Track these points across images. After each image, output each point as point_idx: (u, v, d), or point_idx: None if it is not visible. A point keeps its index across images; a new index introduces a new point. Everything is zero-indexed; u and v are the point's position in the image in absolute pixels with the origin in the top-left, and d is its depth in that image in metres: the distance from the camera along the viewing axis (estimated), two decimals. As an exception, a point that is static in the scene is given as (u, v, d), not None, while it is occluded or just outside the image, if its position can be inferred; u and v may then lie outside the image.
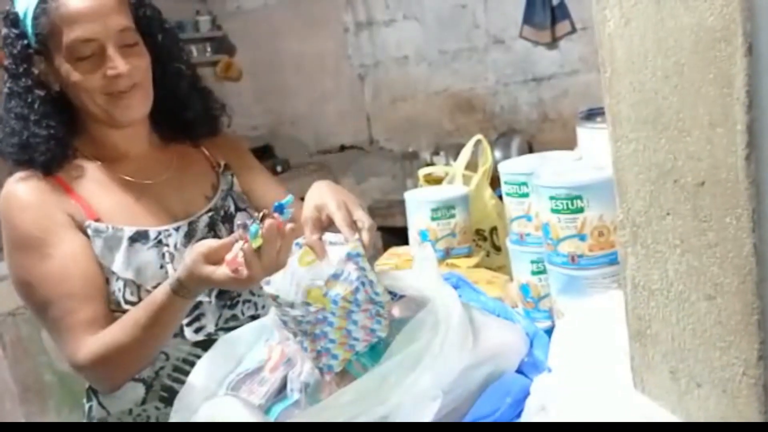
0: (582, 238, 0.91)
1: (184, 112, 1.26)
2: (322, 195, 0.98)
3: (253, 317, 1.12)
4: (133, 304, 1.12)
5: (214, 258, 0.95)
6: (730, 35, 0.57)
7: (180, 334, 1.15)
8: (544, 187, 0.93)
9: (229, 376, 1.01)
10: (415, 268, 1.00)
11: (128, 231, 1.14)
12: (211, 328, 1.18)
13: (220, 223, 1.23)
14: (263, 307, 1.21)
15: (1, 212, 1.14)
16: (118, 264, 1.12)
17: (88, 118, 1.17)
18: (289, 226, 0.92)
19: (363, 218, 0.96)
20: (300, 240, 0.96)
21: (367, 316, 0.91)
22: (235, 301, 1.23)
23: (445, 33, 3.73)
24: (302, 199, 1.05)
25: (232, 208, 1.26)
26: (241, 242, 0.91)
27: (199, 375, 1.01)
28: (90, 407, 1.23)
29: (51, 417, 2.77)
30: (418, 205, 1.35)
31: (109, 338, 1.07)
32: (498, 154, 3.18)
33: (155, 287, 1.11)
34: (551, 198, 0.92)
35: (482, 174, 1.43)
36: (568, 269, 0.94)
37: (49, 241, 1.11)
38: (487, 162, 1.43)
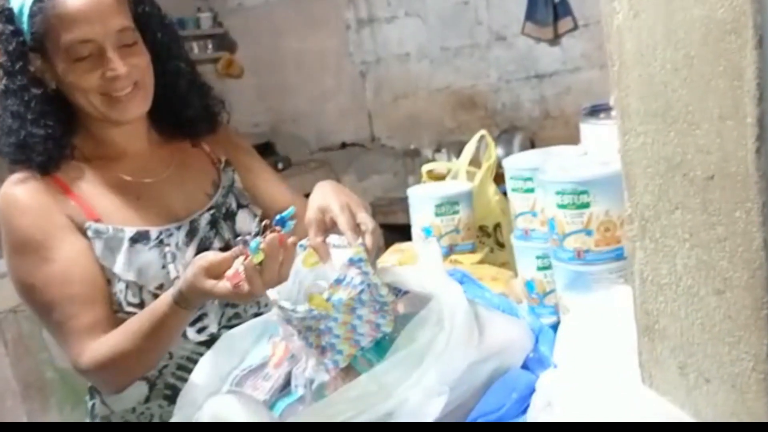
0: (588, 233, 0.91)
1: (184, 110, 1.24)
2: (325, 196, 0.97)
3: (257, 315, 1.11)
4: (135, 305, 1.11)
5: (214, 272, 0.94)
6: (741, 27, 0.56)
7: (183, 334, 1.14)
8: (551, 183, 0.93)
9: (233, 372, 1.01)
10: (420, 263, 1.00)
11: (129, 231, 1.13)
12: (214, 328, 1.17)
13: (222, 220, 1.21)
14: (266, 305, 1.20)
15: (0, 215, 1.12)
16: (119, 265, 1.11)
17: (86, 117, 1.15)
18: (291, 239, 0.92)
19: (366, 221, 0.95)
20: (304, 241, 0.96)
21: (372, 311, 0.91)
22: None
23: (446, 30, 3.72)
24: (306, 195, 1.04)
25: (234, 205, 1.25)
26: (241, 258, 0.90)
27: (203, 372, 1.01)
28: (93, 405, 1.22)
29: (53, 414, 2.77)
30: (422, 202, 1.35)
31: (112, 344, 1.06)
32: (500, 151, 3.17)
33: (158, 288, 1.11)
34: (557, 193, 0.92)
35: (486, 170, 1.43)
36: (574, 265, 0.94)
37: (49, 245, 1.09)
38: (491, 158, 1.43)
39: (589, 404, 0.77)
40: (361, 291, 0.89)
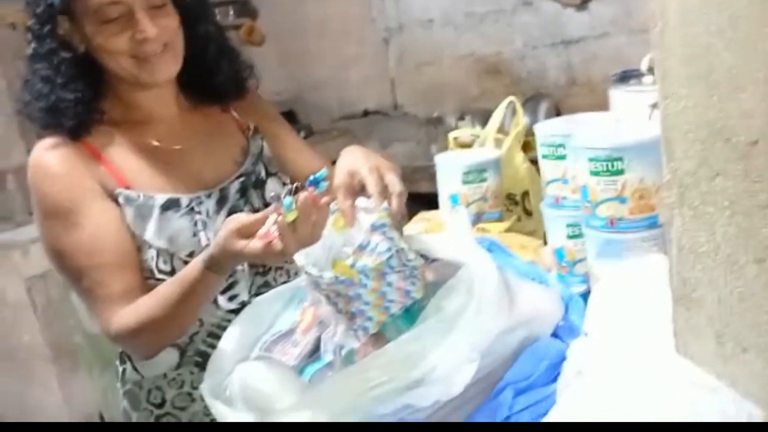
0: (622, 200, 0.90)
1: (213, 74, 1.23)
2: (354, 160, 0.96)
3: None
4: (166, 272, 1.11)
5: (246, 233, 0.93)
6: (790, -14, 0.54)
7: (214, 302, 1.14)
8: (584, 149, 0.91)
9: (262, 338, 1.01)
10: (449, 231, 0.99)
11: (160, 199, 1.13)
12: (245, 296, 1.17)
13: (252, 188, 1.21)
14: (295, 273, 1.20)
15: (30, 181, 1.12)
16: (150, 233, 1.11)
17: (115, 81, 1.14)
18: (324, 199, 0.91)
19: (394, 183, 0.94)
20: (333, 205, 0.95)
21: (402, 277, 0.90)
22: (268, 269, 1.22)
23: (471, -5, 3.65)
24: (333, 162, 1.03)
25: (263, 173, 1.24)
26: (274, 216, 0.89)
27: (232, 338, 1.02)
28: (124, 370, 1.24)
29: (82, 378, 2.83)
30: (449, 169, 1.33)
31: (142, 311, 1.06)
32: (525, 119, 3.13)
33: (189, 255, 1.11)
34: (590, 160, 0.90)
35: (514, 137, 1.41)
36: (607, 233, 0.92)
37: (80, 211, 1.09)
38: (519, 124, 1.41)
39: (621, 372, 0.77)
40: (389, 258, 0.88)
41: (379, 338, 0.90)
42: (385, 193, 0.92)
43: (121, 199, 1.11)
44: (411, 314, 0.90)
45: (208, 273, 1.00)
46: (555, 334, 0.94)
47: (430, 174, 2.11)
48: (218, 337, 1.03)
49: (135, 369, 1.22)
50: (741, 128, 0.60)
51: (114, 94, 1.17)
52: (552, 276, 1.08)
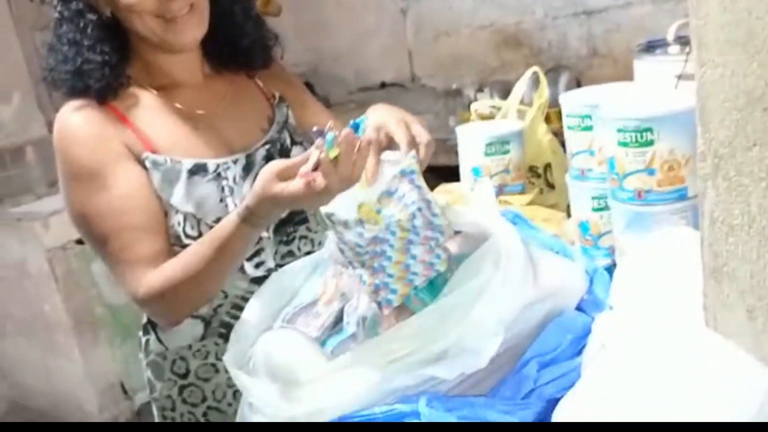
0: (650, 172, 0.88)
1: (240, 40, 1.22)
2: (381, 115, 0.95)
3: (309, 254, 1.10)
4: (193, 238, 1.11)
5: (286, 175, 0.91)
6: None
7: (241, 269, 1.14)
8: (612, 120, 0.89)
9: (284, 310, 1.01)
10: (473, 203, 0.98)
11: (187, 163, 1.12)
12: (270, 263, 1.17)
13: (277, 156, 1.20)
14: (320, 243, 1.20)
15: (56, 144, 1.12)
16: (177, 197, 1.10)
17: (141, 44, 1.13)
18: (365, 140, 0.88)
19: (421, 133, 0.93)
20: None
21: (426, 249, 0.89)
22: (292, 237, 1.21)
23: (491, -36, 3.59)
24: None
25: (288, 141, 1.24)
26: (317, 152, 0.87)
27: (254, 309, 1.02)
28: (147, 341, 1.24)
29: (103, 349, 2.86)
30: (471, 141, 1.32)
31: (173, 271, 1.06)
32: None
33: (215, 221, 1.10)
34: (619, 131, 0.88)
35: (537, 108, 1.39)
36: (634, 205, 0.91)
37: (108, 173, 1.09)
38: (542, 96, 1.39)
39: (648, 346, 0.76)
40: (414, 214, 0.87)
41: (402, 311, 0.90)
42: (413, 143, 0.91)
43: (148, 163, 1.11)
44: (435, 287, 0.90)
45: (243, 226, 0.99)
46: (579, 308, 0.93)
47: (447, 147, 2.09)
48: (242, 309, 1.03)
49: (159, 340, 1.22)
50: (781, 97, 0.58)
51: (139, 59, 1.16)
52: (576, 249, 1.07)
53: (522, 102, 1.48)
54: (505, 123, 1.40)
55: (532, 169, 1.40)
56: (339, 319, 0.97)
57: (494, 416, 0.77)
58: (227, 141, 1.18)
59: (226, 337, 1.02)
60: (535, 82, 1.47)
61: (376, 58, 4.12)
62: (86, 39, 1.10)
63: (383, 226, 0.87)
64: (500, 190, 1.30)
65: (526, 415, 0.79)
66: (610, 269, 0.99)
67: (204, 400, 1.22)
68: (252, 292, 1.05)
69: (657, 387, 0.69)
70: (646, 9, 3.15)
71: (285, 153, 1.22)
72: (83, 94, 1.11)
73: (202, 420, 1.22)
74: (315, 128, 0.89)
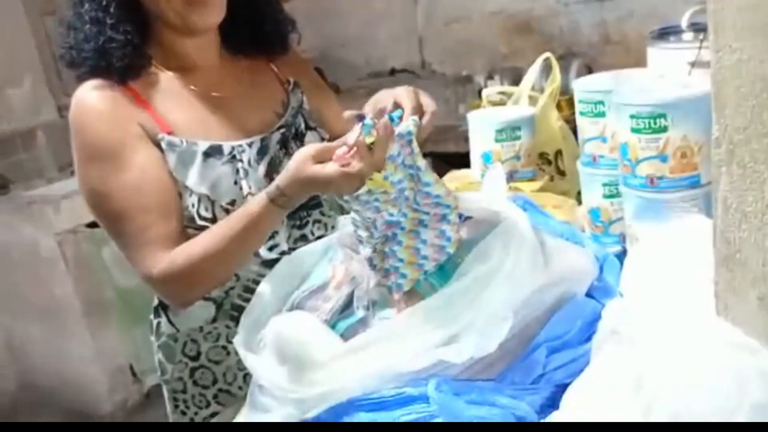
0: (663, 159, 0.87)
1: (260, 25, 1.22)
2: (394, 89, 0.96)
3: (322, 238, 1.10)
4: (207, 219, 1.11)
5: (321, 157, 0.91)
6: None
7: (254, 252, 1.14)
8: (626, 105, 0.89)
9: (295, 293, 1.01)
10: (483, 189, 0.98)
11: (202, 145, 1.12)
12: (284, 246, 1.18)
13: (292, 140, 1.21)
14: (333, 227, 1.20)
15: (73, 121, 1.11)
16: (192, 179, 1.11)
17: (161, 25, 1.14)
18: (397, 132, 0.89)
19: (429, 103, 0.94)
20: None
21: (437, 234, 0.89)
22: (305, 221, 1.22)
23: (503, -51, 3.56)
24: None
25: (303, 126, 1.24)
26: (355, 135, 0.87)
27: (266, 292, 1.02)
28: (158, 323, 1.25)
29: (113, 332, 2.89)
30: (482, 126, 1.31)
31: (196, 250, 1.05)
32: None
33: (230, 203, 1.11)
34: (632, 117, 0.88)
35: (549, 94, 1.38)
36: (646, 192, 0.91)
37: (124, 153, 1.09)
38: (554, 82, 1.38)
39: (657, 333, 0.76)
40: (414, 174, 0.87)
41: (412, 296, 0.90)
42: (418, 109, 0.92)
43: (163, 145, 1.11)
44: (445, 272, 0.90)
45: (272, 207, 0.99)
46: (589, 294, 0.93)
47: (457, 134, 2.07)
48: (253, 292, 1.03)
49: (170, 322, 1.23)
50: (798, 83, 0.58)
51: (158, 41, 1.16)
52: (586, 236, 1.07)
53: (533, 88, 1.47)
54: (516, 109, 1.39)
55: (542, 156, 1.40)
56: (349, 303, 0.97)
57: (503, 401, 0.77)
58: (243, 124, 1.18)
59: (237, 320, 1.02)
60: (547, 68, 1.46)
61: (386, 44, 4.10)
62: (108, 17, 1.09)
63: (394, 193, 0.86)
64: (511, 177, 1.30)
65: (535, 400, 0.79)
66: (621, 256, 0.99)
67: (215, 382, 1.23)
68: (264, 276, 1.06)
69: (666, 374, 0.69)
70: (660, -5, 3.12)
71: (299, 138, 1.23)
72: (104, 73, 1.11)
73: (212, 402, 1.24)
74: (355, 112, 0.89)
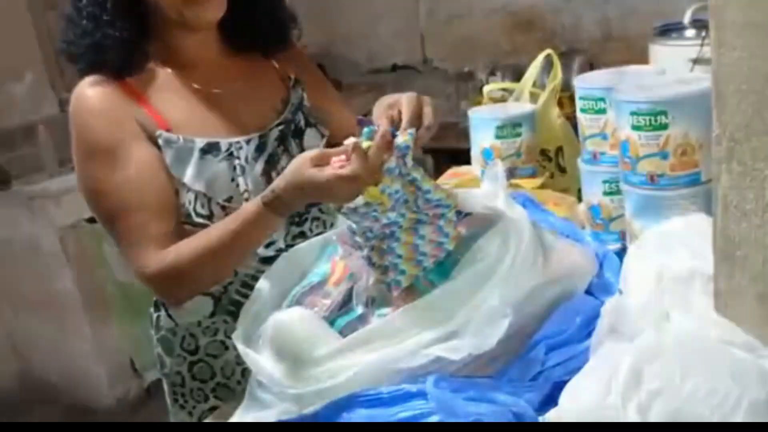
0: (664, 156, 0.87)
1: (260, 21, 1.21)
2: (396, 95, 0.96)
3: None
4: (203, 216, 1.11)
5: (320, 162, 0.92)
6: None
7: None
8: (626, 102, 0.89)
9: (294, 289, 1.01)
10: (483, 186, 0.98)
11: (199, 142, 1.12)
12: (281, 243, 1.18)
13: (291, 137, 1.20)
14: (331, 225, 1.20)
15: (72, 118, 1.12)
16: (189, 176, 1.11)
17: (160, 22, 1.13)
18: (397, 142, 0.89)
19: (428, 114, 0.94)
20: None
21: (435, 230, 0.89)
22: (304, 218, 1.22)
23: (505, -55, 3.55)
24: (364, 115, 1.02)
25: (302, 123, 1.23)
26: (353, 139, 0.88)
27: (264, 288, 1.02)
28: (158, 317, 1.25)
29: (114, 326, 2.89)
30: (483, 123, 1.31)
31: (187, 251, 1.06)
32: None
33: (226, 200, 1.11)
34: (633, 114, 0.87)
35: (550, 91, 1.37)
36: (647, 189, 0.90)
37: (122, 151, 1.09)
38: (556, 78, 1.37)
39: (657, 330, 0.76)
40: (413, 182, 0.88)
41: (411, 292, 0.90)
42: (417, 121, 0.92)
43: (160, 142, 1.11)
44: (444, 269, 0.90)
45: (267, 211, 0.99)
46: (589, 292, 0.92)
47: (458, 130, 2.07)
48: (252, 288, 1.03)
49: (169, 316, 1.23)
50: (799, 80, 0.57)
51: (157, 37, 1.16)
52: (586, 233, 1.07)
53: (534, 85, 1.47)
54: (517, 105, 1.39)
55: (543, 153, 1.40)
56: (348, 300, 0.97)
57: (501, 398, 0.77)
58: (241, 121, 1.18)
59: (235, 315, 1.02)
60: (549, 65, 1.46)
61: (388, 40, 4.09)
62: (105, 14, 1.09)
63: (390, 205, 0.87)
64: (511, 173, 1.29)
65: (533, 397, 0.79)
66: (621, 254, 0.99)
67: (213, 376, 1.23)
68: (262, 272, 1.06)
69: (665, 372, 0.69)
70: (662, -8, 3.11)
71: (299, 135, 1.22)
72: (101, 69, 1.11)
73: (211, 396, 1.24)
74: (359, 116, 0.90)
